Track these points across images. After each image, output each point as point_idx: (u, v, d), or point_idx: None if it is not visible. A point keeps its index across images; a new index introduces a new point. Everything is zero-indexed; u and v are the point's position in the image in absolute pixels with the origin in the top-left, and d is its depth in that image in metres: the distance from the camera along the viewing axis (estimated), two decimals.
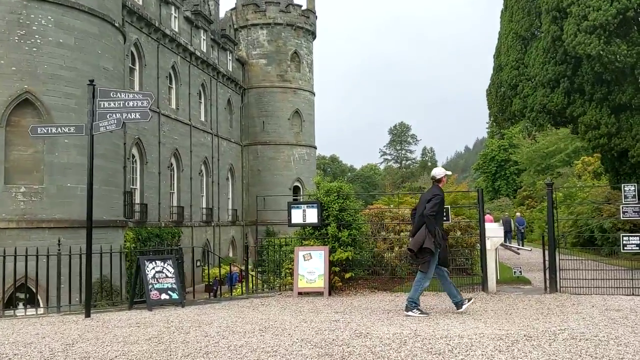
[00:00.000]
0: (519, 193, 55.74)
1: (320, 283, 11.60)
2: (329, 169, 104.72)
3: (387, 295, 11.52)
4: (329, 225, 12.14)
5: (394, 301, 10.59)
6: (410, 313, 8.76)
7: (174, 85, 39.73)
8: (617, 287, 11.44)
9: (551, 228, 11.83)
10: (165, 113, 37.52)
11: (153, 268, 10.62)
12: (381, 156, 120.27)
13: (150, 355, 6.36)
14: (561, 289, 11.51)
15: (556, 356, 5.89)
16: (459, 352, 6.10)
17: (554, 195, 12.09)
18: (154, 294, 10.46)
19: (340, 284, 12.01)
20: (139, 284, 10.90)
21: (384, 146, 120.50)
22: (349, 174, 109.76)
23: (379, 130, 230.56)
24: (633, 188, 11.57)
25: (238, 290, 16.35)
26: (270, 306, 10.32)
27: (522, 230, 35.19)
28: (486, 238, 11.78)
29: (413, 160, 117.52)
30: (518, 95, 16.83)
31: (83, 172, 18.75)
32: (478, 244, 12.79)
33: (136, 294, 11.16)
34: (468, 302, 8.98)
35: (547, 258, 11.84)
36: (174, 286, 10.68)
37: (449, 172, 9.79)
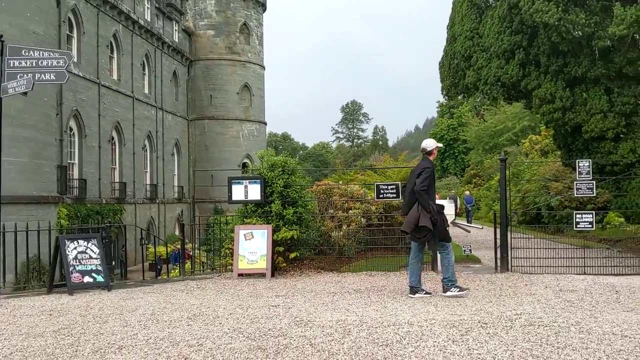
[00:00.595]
0: (467, 172, 56.32)
1: (263, 264, 10.81)
2: (280, 147, 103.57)
3: (333, 276, 10.85)
4: (272, 202, 11.35)
5: (340, 282, 9.92)
6: (448, 293, 8.21)
7: (115, 55, 37.76)
8: (568, 266, 11.13)
9: (503, 205, 11.38)
10: (106, 84, 35.64)
11: (75, 248, 9.58)
12: (333, 134, 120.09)
13: (52, 352, 5.44)
14: (512, 268, 11.11)
15: (515, 346, 5.30)
16: (408, 343, 5.43)
17: (507, 172, 11.62)
18: (75, 277, 9.44)
19: (284, 264, 11.27)
20: (60, 265, 9.85)
21: (336, 124, 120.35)
22: (301, 152, 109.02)
23: (332, 108, 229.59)
24: (587, 164, 11.20)
25: (176, 271, 15.44)
26: (206, 289, 9.47)
27: (470, 209, 35.37)
28: None
29: (365, 139, 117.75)
30: (472, 67, 16.27)
31: (9, 144, 17.38)
32: None
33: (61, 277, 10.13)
34: (425, 294, 8.35)
35: (498, 236, 11.42)
36: (99, 268, 9.67)
37: (440, 144, 9.16)
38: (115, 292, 9.39)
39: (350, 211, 13.05)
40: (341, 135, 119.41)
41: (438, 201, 12.07)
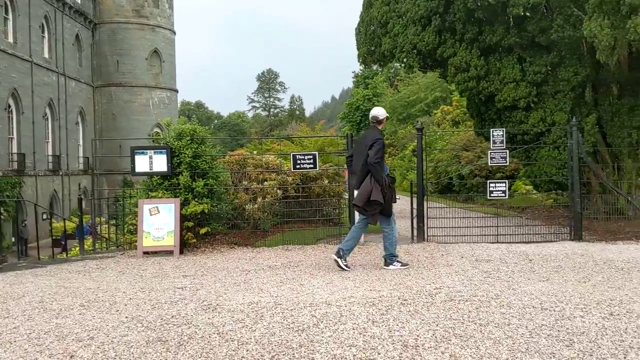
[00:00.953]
0: None
1: (170, 241, 10.10)
2: (194, 115, 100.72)
3: (247, 251, 10.31)
4: (180, 174, 10.59)
5: (255, 258, 9.41)
6: (391, 267, 8.06)
7: (10, 16, 34.69)
8: (482, 235, 11.20)
9: (420, 174, 11.25)
10: (1, 47, 32.72)
11: None
12: (249, 104, 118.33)
13: None
14: (428, 237, 11.04)
15: (437, 325, 5.02)
16: (325, 327, 5.02)
17: (423, 141, 11.48)
18: None
19: (194, 240, 10.60)
20: None
21: (252, 93, 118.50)
22: (216, 121, 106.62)
23: (248, 77, 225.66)
24: (501, 133, 11.22)
25: (75, 249, 14.36)
26: (107, 270, 8.67)
27: None
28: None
29: (281, 109, 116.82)
30: (388, 34, 15.97)
31: None
32: (345, 193, 12.00)
33: None
34: (345, 267, 8.02)
35: (414, 205, 11.31)
36: None
37: (387, 115, 8.79)
38: (1, 276, 8.41)
39: (266, 182, 12.52)
40: (257, 105, 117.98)
41: None
